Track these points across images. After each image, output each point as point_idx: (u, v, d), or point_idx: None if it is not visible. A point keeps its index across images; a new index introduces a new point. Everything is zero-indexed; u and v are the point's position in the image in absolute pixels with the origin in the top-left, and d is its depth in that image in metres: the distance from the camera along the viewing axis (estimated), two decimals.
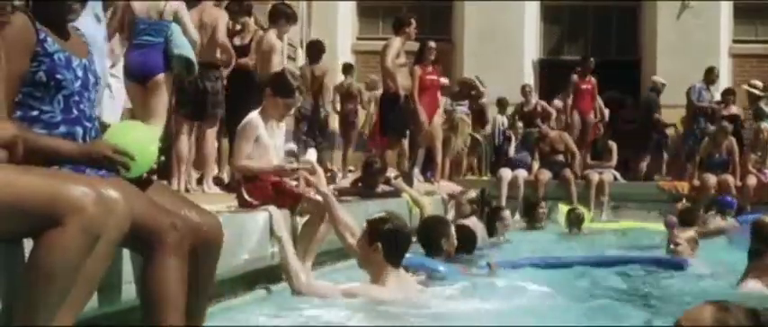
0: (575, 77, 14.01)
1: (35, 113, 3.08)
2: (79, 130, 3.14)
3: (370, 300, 4.63)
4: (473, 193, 9.55)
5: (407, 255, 5.28)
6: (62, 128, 3.10)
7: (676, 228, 8.09)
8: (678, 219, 9.18)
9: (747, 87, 13.84)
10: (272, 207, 5.29)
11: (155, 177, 3.41)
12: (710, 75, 13.98)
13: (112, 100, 7.11)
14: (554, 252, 7.87)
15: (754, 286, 5.33)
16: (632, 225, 11.20)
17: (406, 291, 4.83)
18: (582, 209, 11.11)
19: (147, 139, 3.23)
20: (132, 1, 6.89)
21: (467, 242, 7.08)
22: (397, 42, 9.83)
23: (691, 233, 7.15)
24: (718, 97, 14.13)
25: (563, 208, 11.69)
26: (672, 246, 6.93)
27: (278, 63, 8.11)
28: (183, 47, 6.75)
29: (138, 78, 6.82)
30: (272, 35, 8.30)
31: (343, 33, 17.66)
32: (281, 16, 8.39)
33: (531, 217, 11.11)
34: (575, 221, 10.60)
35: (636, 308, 5.06)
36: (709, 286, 5.90)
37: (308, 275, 5.04)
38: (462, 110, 13.16)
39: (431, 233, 6.53)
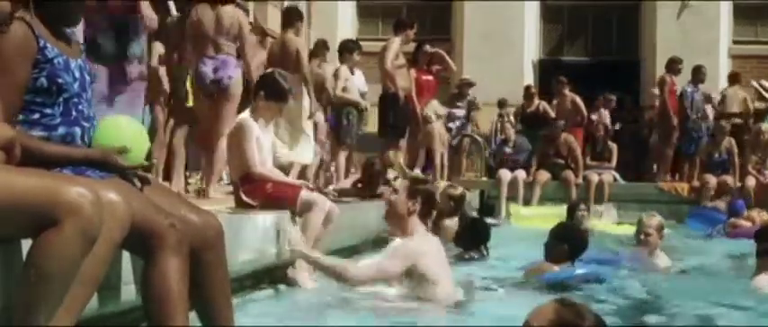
0: (668, 78, 13.24)
1: (36, 116, 3.09)
2: (77, 131, 3.15)
3: (409, 252, 4.82)
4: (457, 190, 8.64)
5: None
6: (61, 130, 3.11)
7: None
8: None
9: (757, 85, 13.73)
10: (290, 228, 5.29)
11: (152, 177, 3.40)
12: (697, 75, 13.28)
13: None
14: None
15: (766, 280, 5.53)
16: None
17: (431, 244, 5.03)
18: None
19: (136, 131, 3.29)
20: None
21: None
22: (396, 44, 9.84)
23: (658, 219, 7.09)
24: (714, 94, 14.03)
25: (516, 209, 11.72)
26: (642, 236, 6.91)
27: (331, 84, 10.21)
28: None
29: None
30: (324, 66, 10.33)
31: (342, 34, 17.64)
32: (322, 47, 10.69)
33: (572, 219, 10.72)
34: None
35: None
36: (723, 283, 6.06)
37: (350, 266, 4.95)
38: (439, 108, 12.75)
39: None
